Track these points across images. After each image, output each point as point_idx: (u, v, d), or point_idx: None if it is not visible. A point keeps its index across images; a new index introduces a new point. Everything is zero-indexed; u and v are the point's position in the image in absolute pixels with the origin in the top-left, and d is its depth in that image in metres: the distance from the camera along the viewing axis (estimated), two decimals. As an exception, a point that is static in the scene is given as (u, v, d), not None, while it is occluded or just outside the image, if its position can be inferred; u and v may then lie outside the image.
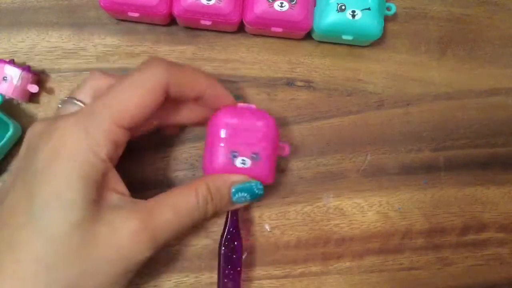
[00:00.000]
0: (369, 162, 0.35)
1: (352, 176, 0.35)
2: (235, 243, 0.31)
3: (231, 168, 0.28)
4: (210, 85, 0.28)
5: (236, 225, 0.31)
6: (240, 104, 0.30)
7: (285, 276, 0.33)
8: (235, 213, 0.31)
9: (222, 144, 0.28)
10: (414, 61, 0.36)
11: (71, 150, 0.23)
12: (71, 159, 0.23)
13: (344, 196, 0.34)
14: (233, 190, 0.28)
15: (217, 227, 0.33)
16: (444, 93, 0.36)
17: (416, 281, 0.35)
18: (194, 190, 0.27)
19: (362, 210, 0.34)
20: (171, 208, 0.25)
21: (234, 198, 0.28)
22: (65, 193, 0.23)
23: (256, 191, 0.29)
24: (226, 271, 0.31)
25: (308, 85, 0.35)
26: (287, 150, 0.31)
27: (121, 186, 0.26)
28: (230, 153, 0.28)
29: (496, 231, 0.35)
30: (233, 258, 0.31)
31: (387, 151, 0.35)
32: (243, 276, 0.33)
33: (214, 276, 0.33)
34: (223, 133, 0.28)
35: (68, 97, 0.27)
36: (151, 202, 0.26)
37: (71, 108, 0.26)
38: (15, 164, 0.28)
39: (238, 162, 0.28)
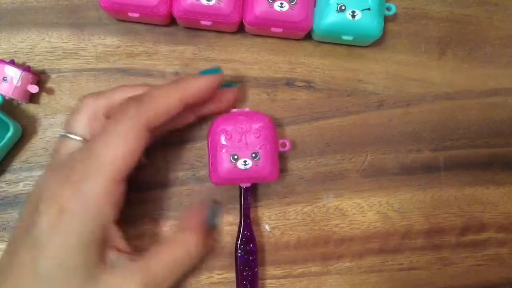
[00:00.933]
0: (369, 162, 0.35)
1: (352, 176, 0.35)
2: (251, 245, 0.32)
3: (235, 171, 0.30)
4: (183, 98, 0.28)
5: (250, 228, 0.32)
6: (234, 110, 0.32)
7: (285, 276, 0.34)
8: (248, 216, 0.32)
9: (223, 150, 0.30)
10: (414, 61, 0.36)
11: (72, 220, 0.24)
12: (72, 230, 0.24)
13: (344, 196, 0.34)
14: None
15: (217, 227, 0.33)
16: (444, 93, 0.36)
17: (416, 281, 0.35)
18: (186, 248, 0.28)
19: (362, 210, 0.34)
20: (167, 267, 0.27)
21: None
22: (67, 262, 0.24)
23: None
24: (244, 273, 0.32)
25: (308, 85, 0.35)
26: (288, 145, 0.32)
27: (120, 242, 0.27)
28: (231, 157, 0.30)
29: (496, 231, 0.35)
30: (250, 260, 0.32)
31: (387, 151, 0.35)
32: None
33: (214, 276, 0.33)
34: (222, 140, 0.30)
35: (65, 132, 0.28)
36: (148, 261, 0.26)
37: (70, 144, 0.27)
38: (17, 221, 0.28)
39: (240, 164, 0.30)
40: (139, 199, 0.33)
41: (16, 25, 0.34)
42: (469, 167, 0.35)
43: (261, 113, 0.31)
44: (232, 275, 0.33)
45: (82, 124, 0.28)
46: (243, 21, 0.32)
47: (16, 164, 0.33)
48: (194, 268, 0.30)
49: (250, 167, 0.30)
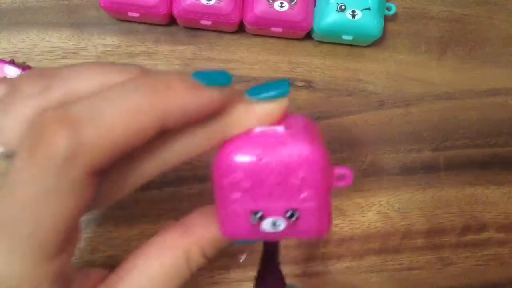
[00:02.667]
0: (369, 162, 0.35)
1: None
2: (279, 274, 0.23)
3: (257, 234, 0.18)
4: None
5: (274, 262, 0.23)
6: (258, 129, 0.17)
7: (285, 276, 0.33)
8: (273, 252, 0.22)
9: (237, 204, 0.17)
10: (414, 61, 0.36)
11: None
12: None
13: (344, 196, 0.34)
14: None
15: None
16: (444, 93, 0.36)
17: (416, 281, 0.35)
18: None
19: (362, 210, 0.34)
20: None
21: None
22: None
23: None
24: None
25: (308, 85, 0.35)
26: (348, 177, 0.19)
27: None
28: (251, 215, 0.18)
29: (496, 231, 0.35)
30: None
31: (387, 151, 0.35)
32: (242, 276, 0.33)
33: (214, 276, 0.33)
34: (235, 185, 0.17)
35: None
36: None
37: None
38: None
39: (266, 225, 0.18)
40: (138, 199, 0.33)
41: (16, 25, 0.34)
42: (469, 167, 0.35)
43: (304, 134, 0.17)
44: (232, 275, 0.33)
45: (12, 133, 0.16)
46: (243, 21, 0.32)
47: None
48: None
49: (283, 230, 0.18)
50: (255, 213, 0.18)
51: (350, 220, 0.34)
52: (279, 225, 0.18)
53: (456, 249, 0.35)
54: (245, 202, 0.17)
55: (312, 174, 0.17)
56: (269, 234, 0.18)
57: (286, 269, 0.33)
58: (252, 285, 0.34)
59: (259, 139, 0.17)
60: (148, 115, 0.15)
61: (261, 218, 0.18)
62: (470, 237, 0.35)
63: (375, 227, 0.34)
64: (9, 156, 0.16)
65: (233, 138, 0.17)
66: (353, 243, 0.34)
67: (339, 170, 0.19)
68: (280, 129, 0.17)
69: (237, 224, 0.18)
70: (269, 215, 0.18)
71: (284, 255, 0.34)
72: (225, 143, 0.17)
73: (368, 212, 0.34)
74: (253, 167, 0.17)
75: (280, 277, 0.22)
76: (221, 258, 0.33)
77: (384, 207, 0.35)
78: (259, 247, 0.33)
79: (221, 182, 0.17)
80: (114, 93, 0.15)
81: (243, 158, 0.17)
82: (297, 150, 0.17)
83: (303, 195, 0.17)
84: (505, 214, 0.35)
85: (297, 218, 0.18)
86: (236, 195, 0.17)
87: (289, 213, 0.18)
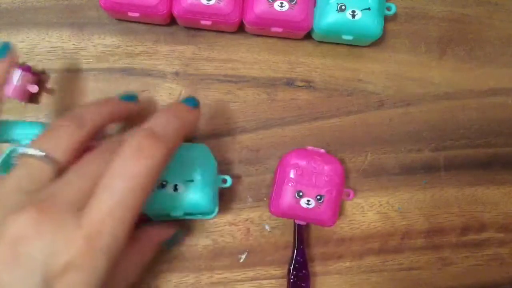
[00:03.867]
0: (369, 162, 0.35)
1: (352, 176, 0.35)
2: (303, 271, 0.32)
3: (295, 208, 0.30)
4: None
5: (304, 254, 0.32)
6: (310, 148, 0.32)
7: (285, 276, 0.33)
8: (302, 242, 0.32)
9: (290, 184, 0.30)
10: (414, 61, 0.36)
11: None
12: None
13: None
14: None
15: (217, 227, 0.33)
16: (444, 93, 0.36)
17: (416, 281, 0.35)
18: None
19: (362, 210, 0.34)
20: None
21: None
22: None
23: (178, 241, 0.32)
24: None
25: (308, 85, 0.35)
26: (351, 195, 0.33)
27: None
28: (296, 193, 0.30)
29: (496, 231, 0.35)
30: (302, 286, 0.32)
31: (387, 151, 0.35)
32: (242, 276, 0.33)
33: (214, 276, 0.33)
34: (292, 174, 0.30)
35: (41, 152, 0.23)
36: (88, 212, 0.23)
37: (47, 172, 0.23)
38: None
39: (303, 202, 0.30)
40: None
41: (16, 25, 0.34)
42: (469, 167, 0.35)
43: (335, 158, 0.32)
44: (232, 275, 0.33)
45: (63, 149, 0.24)
46: (243, 21, 0.32)
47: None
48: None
49: (312, 207, 0.30)
50: (298, 192, 0.30)
51: (350, 220, 0.34)
52: (311, 204, 0.30)
53: (456, 249, 0.35)
54: (294, 185, 0.30)
55: (334, 178, 0.31)
56: (303, 209, 0.30)
57: (286, 269, 0.34)
58: (252, 285, 0.34)
59: (311, 153, 0.31)
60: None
61: (301, 196, 0.30)
62: (470, 237, 0.35)
63: (375, 227, 0.34)
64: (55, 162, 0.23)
65: (296, 149, 0.32)
66: (353, 243, 0.34)
67: (347, 189, 0.33)
68: (322, 150, 0.32)
69: (285, 200, 0.30)
70: (306, 195, 0.30)
71: (284, 255, 0.34)
72: (290, 151, 0.32)
73: (368, 212, 0.34)
74: (303, 167, 0.31)
75: (307, 267, 0.33)
76: (221, 258, 0.33)
77: (384, 207, 0.35)
78: (259, 247, 0.33)
79: (283, 172, 0.31)
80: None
81: (299, 161, 0.31)
82: (331, 162, 0.31)
83: (327, 188, 0.31)
84: (505, 214, 0.35)
85: (321, 202, 0.30)
86: (290, 180, 0.30)
87: (318, 197, 0.31)
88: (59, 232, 0.20)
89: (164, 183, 0.28)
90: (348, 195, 0.33)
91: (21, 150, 0.23)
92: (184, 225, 0.33)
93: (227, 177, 0.31)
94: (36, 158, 0.23)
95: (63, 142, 0.24)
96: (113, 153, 0.22)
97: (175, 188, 0.28)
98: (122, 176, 0.21)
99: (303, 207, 0.30)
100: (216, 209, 0.30)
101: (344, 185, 0.32)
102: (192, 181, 0.28)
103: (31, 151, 0.23)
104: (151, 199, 0.26)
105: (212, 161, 0.30)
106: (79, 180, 0.22)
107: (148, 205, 0.27)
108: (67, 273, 0.19)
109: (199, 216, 0.30)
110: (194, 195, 0.28)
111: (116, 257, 0.21)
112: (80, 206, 0.21)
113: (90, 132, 0.25)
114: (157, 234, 0.29)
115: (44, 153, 0.23)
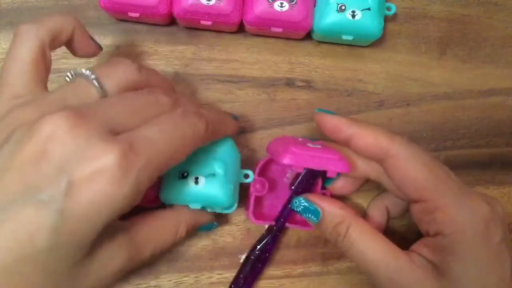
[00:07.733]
0: (369, 162, 0.35)
1: (352, 176, 0.35)
2: (267, 254, 0.31)
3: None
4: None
5: (276, 240, 0.31)
6: (310, 144, 0.30)
7: (285, 276, 0.33)
8: (280, 230, 0.31)
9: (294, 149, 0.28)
10: (414, 61, 0.36)
11: None
12: None
13: (344, 196, 0.34)
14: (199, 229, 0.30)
15: (217, 227, 0.33)
16: (444, 93, 0.36)
17: (416, 281, 0.34)
18: (175, 231, 0.28)
19: (362, 210, 0.34)
20: (152, 246, 0.26)
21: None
22: None
23: (212, 228, 0.32)
24: (247, 269, 0.31)
25: (308, 85, 0.35)
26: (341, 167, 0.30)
27: None
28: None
29: (496, 231, 0.35)
30: (258, 266, 0.32)
31: (387, 151, 0.35)
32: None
33: (214, 276, 0.33)
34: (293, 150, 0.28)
35: (95, 77, 0.24)
36: (135, 235, 0.25)
37: (93, 94, 0.23)
38: None
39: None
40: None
41: (16, 25, 0.33)
42: (469, 167, 0.35)
43: (332, 149, 0.30)
44: (232, 275, 0.33)
45: (116, 82, 0.24)
46: (243, 21, 0.32)
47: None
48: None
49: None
50: None
51: (350, 220, 0.34)
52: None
53: (456, 249, 0.35)
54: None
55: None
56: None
57: (286, 269, 0.34)
58: (254, 286, 0.33)
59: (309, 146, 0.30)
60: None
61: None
62: (470, 237, 0.35)
63: (375, 227, 0.34)
64: (103, 89, 0.23)
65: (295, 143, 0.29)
66: (353, 243, 0.34)
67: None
68: (318, 145, 0.30)
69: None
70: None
71: (284, 256, 0.34)
72: (290, 145, 0.29)
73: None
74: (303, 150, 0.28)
75: (271, 253, 0.32)
76: (221, 258, 0.33)
77: (384, 207, 0.35)
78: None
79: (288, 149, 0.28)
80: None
81: (298, 149, 0.28)
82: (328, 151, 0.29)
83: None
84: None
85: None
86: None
87: None
88: (94, 140, 0.20)
89: (185, 174, 0.27)
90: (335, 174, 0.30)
91: (77, 70, 0.24)
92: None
93: (249, 172, 0.30)
94: (87, 79, 0.23)
95: (117, 75, 0.24)
96: (160, 102, 0.24)
97: (196, 181, 0.27)
98: (174, 126, 0.23)
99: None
100: (236, 204, 0.29)
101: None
102: (213, 175, 0.27)
103: (84, 71, 0.23)
104: (171, 189, 0.27)
105: (236, 155, 0.29)
106: (124, 107, 0.22)
107: (168, 195, 0.27)
108: (93, 180, 0.19)
109: (218, 210, 0.29)
110: (215, 190, 0.27)
111: (142, 190, 0.21)
112: (118, 129, 0.21)
113: (146, 82, 0.25)
114: (196, 217, 0.29)
115: (95, 76, 0.23)
